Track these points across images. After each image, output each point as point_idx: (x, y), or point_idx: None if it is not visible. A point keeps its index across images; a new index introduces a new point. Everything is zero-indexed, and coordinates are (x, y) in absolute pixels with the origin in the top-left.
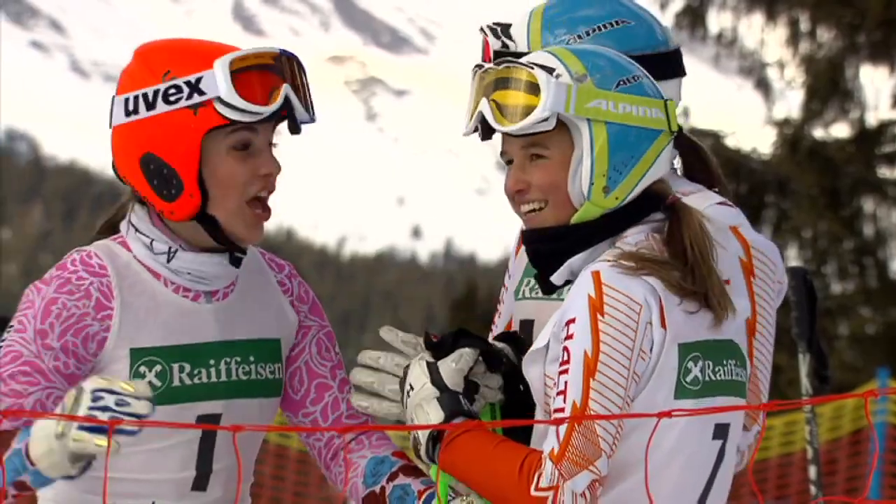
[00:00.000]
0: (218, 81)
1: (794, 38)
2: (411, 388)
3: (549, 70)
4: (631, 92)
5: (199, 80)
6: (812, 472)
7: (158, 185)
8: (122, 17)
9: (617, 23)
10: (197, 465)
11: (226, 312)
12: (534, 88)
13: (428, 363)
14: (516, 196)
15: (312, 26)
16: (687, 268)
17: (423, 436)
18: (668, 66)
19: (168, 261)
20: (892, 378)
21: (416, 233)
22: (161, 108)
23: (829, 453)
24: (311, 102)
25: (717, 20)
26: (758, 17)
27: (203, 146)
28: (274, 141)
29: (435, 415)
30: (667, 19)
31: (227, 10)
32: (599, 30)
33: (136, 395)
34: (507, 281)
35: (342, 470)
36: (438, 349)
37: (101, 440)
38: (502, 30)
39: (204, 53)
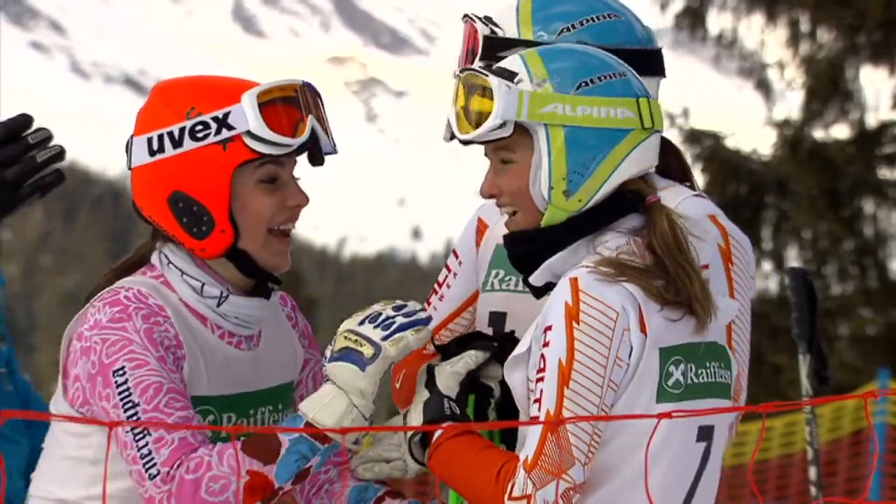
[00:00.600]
0: (247, 115)
1: (794, 39)
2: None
3: (512, 75)
4: (592, 93)
5: (226, 115)
6: (812, 472)
7: (188, 222)
8: (122, 17)
9: (596, 18)
10: None
11: (261, 359)
12: (490, 95)
13: (428, 366)
14: (494, 200)
15: (312, 27)
16: (670, 276)
17: (405, 440)
18: (646, 63)
19: (218, 305)
20: (893, 379)
21: (417, 234)
22: (188, 145)
23: (829, 454)
24: (331, 133)
25: (717, 21)
26: (758, 18)
27: (232, 181)
28: (295, 174)
29: (417, 419)
30: (667, 20)
31: (227, 11)
32: (576, 26)
33: (406, 303)
34: (456, 266)
35: (325, 503)
36: (446, 353)
37: (418, 329)
38: (487, 19)
39: (227, 88)
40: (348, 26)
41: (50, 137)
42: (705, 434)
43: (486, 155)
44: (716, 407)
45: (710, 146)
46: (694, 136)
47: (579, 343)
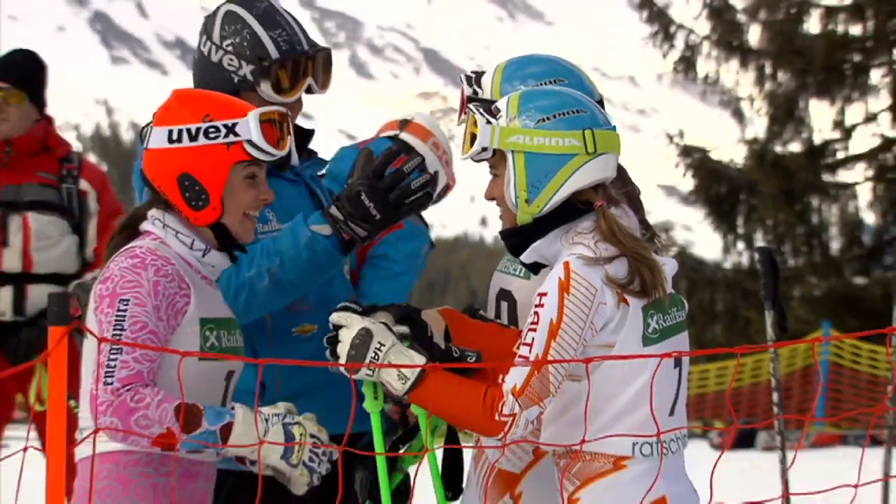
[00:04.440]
0: (251, 128)
1: (760, 79)
2: (381, 345)
3: (497, 110)
4: (548, 128)
5: (234, 124)
6: (775, 397)
7: (189, 197)
8: None
9: (554, 81)
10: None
11: (221, 297)
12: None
13: (382, 323)
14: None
15: (407, 71)
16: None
17: (406, 381)
18: None
19: (203, 255)
20: (833, 328)
21: (484, 222)
22: (202, 141)
23: (786, 383)
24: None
25: (704, 66)
26: (734, 64)
27: (228, 173)
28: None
29: (418, 359)
30: (667, 65)
31: (344, 61)
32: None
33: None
34: None
35: None
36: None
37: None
38: (476, 79)
39: (234, 105)
40: (434, 70)
41: (421, 164)
42: (678, 361)
43: None
44: (684, 340)
45: (699, 158)
46: (687, 151)
47: (567, 309)
